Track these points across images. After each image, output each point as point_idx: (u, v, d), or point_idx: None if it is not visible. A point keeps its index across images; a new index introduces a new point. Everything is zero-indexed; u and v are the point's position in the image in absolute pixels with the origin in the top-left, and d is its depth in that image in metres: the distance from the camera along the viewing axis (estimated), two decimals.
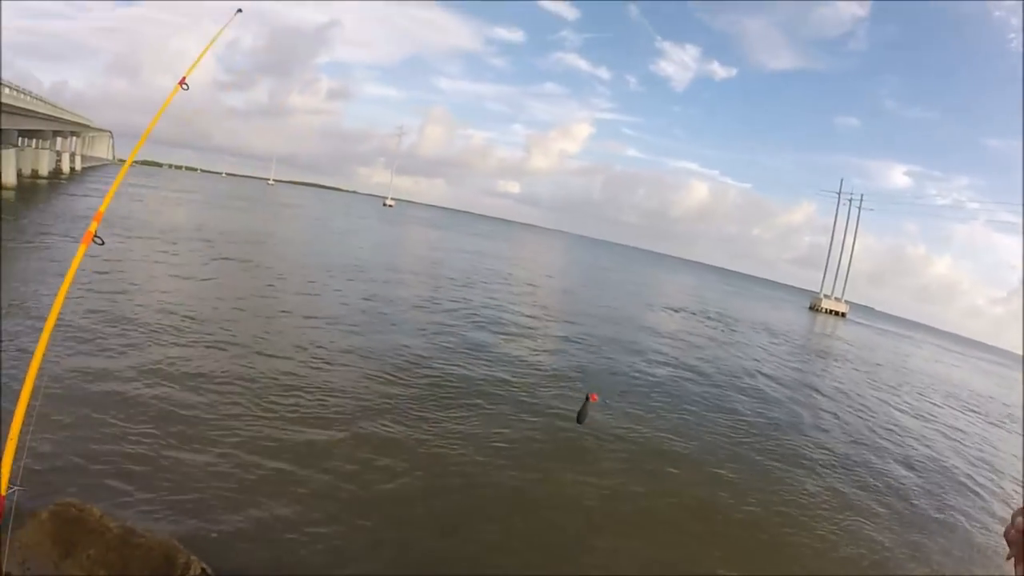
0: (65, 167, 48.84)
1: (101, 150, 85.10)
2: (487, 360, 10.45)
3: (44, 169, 37.96)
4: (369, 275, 17.66)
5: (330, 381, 7.85)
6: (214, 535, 4.31)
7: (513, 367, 10.32)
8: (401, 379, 8.58)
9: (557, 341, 13.53)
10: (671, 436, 8.36)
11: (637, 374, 11.78)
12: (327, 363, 8.69)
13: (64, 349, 7.06)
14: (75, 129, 51.96)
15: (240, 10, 4.32)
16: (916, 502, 8.11)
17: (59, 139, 47.83)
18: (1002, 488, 10.17)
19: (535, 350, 12.02)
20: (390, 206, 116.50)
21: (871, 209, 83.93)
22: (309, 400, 7.13)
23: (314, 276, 15.98)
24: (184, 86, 3.57)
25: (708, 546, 5.67)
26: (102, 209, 2.84)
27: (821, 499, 7.31)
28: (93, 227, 2.69)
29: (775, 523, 6.38)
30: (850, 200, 66.96)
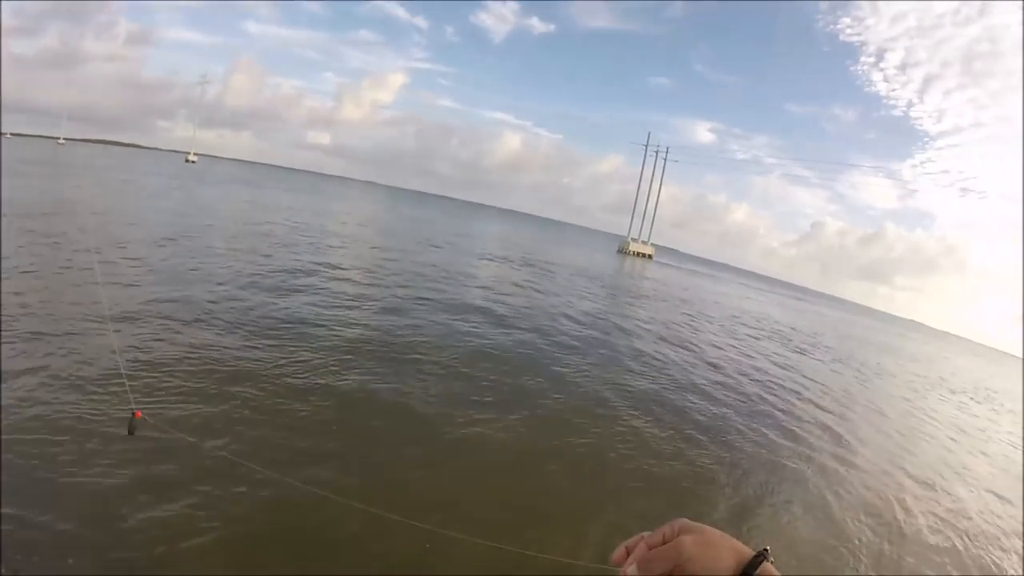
0: None
1: None
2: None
3: None
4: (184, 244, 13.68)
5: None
6: None
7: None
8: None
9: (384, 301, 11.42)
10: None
11: (463, 330, 10.26)
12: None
13: None
14: None
15: None
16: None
17: None
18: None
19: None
20: (193, 162, 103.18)
21: (676, 160, 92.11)
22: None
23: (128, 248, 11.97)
24: None
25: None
26: None
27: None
28: None
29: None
30: (656, 152, 72.47)
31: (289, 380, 6.15)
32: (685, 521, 0.72)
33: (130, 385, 4.74)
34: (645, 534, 0.72)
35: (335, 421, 5.45)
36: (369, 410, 5.90)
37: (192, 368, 5.93)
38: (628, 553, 0.72)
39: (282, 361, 6.64)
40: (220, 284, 9.76)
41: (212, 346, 6.67)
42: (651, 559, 0.68)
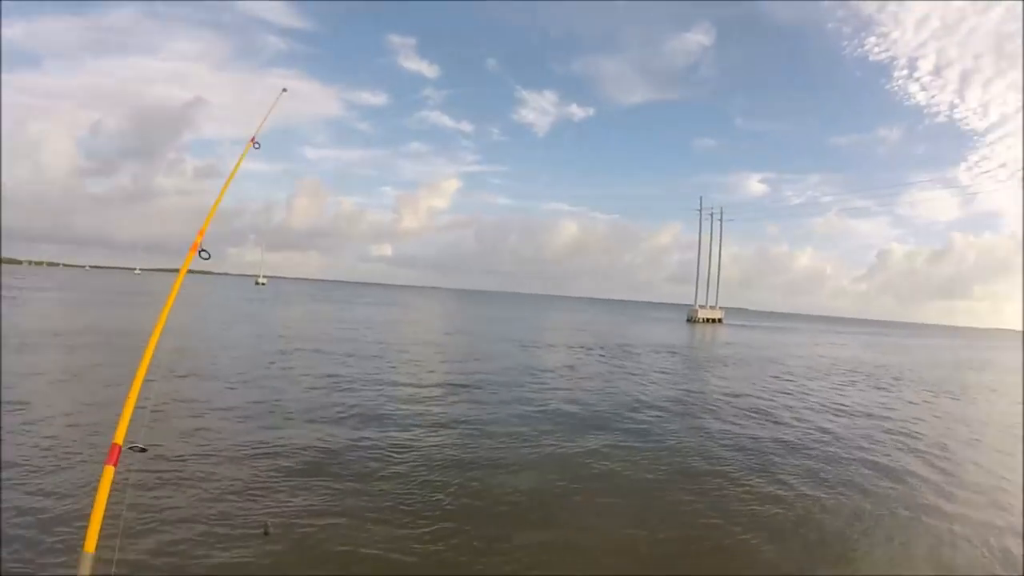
0: None
1: None
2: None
3: None
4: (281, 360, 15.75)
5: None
6: None
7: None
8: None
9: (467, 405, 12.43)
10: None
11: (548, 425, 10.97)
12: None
13: None
14: None
15: (285, 90, 4.43)
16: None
17: None
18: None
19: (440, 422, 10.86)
20: (263, 284, 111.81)
21: (731, 219, 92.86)
22: None
23: (234, 368, 14.09)
24: (256, 145, 3.70)
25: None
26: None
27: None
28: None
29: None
30: (711, 214, 73.80)
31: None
32: None
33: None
34: None
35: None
36: None
37: None
38: None
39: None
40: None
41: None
42: None
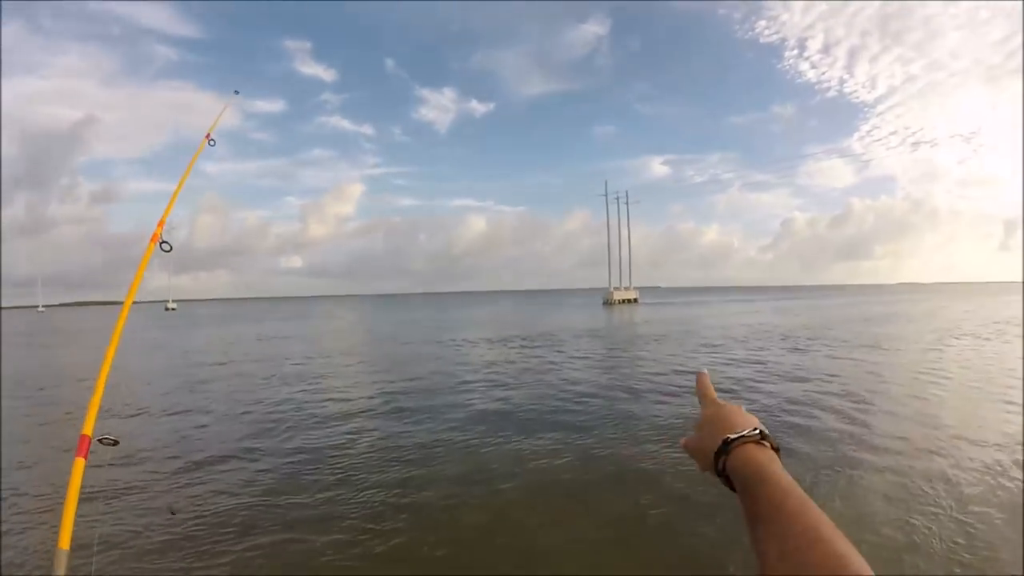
0: None
1: None
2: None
3: None
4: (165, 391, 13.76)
5: None
6: None
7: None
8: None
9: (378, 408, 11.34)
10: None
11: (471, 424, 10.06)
12: None
13: None
14: None
15: (237, 92, 4.37)
16: None
17: None
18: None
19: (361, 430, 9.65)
20: (173, 309, 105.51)
21: (638, 201, 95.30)
22: None
23: (157, 404, 12.19)
24: (211, 142, 3.53)
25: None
26: None
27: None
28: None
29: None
30: (617, 198, 75.67)
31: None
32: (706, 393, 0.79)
33: None
34: None
35: None
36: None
37: None
38: None
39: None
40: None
41: None
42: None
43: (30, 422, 10.90)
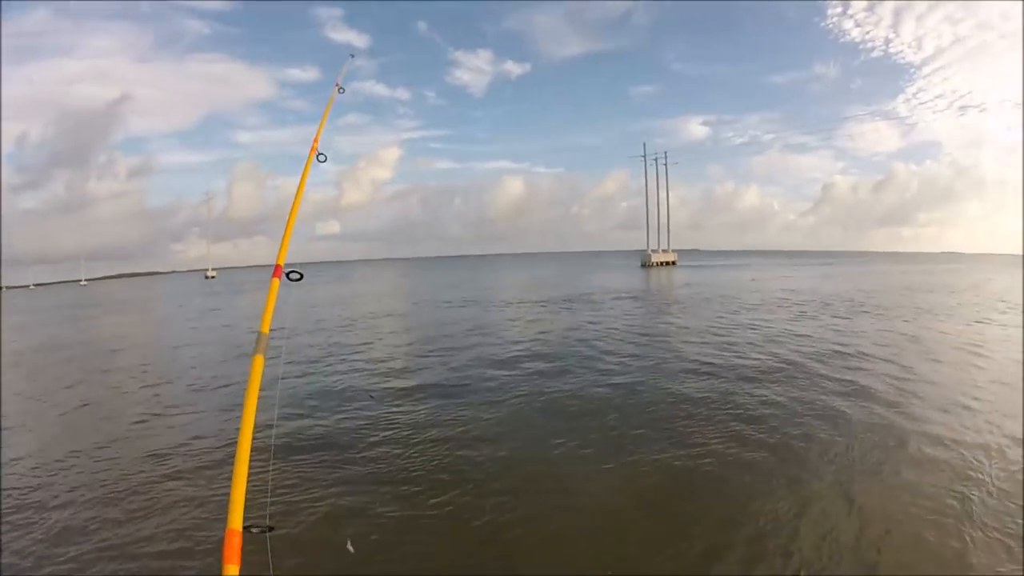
0: None
1: None
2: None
3: None
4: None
5: None
6: None
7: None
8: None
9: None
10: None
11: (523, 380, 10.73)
12: None
13: None
14: None
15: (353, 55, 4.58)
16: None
17: None
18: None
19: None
20: (213, 277, 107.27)
21: (676, 163, 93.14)
22: None
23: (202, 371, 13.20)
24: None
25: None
26: None
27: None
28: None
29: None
30: (655, 159, 74.02)
31: None
32: None
33: None
34: None
35: None
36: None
37: None
38: None
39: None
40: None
41: None
42: None
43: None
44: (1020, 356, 11.68)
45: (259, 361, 2.05)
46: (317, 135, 3.32)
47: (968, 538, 4.65)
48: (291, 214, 2.99)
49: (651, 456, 6.55)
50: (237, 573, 1.47)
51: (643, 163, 74.35)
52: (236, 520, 1.54)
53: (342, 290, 42.57)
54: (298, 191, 3.07)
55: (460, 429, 7.75)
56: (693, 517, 5.13)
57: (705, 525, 4.97)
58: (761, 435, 7.11)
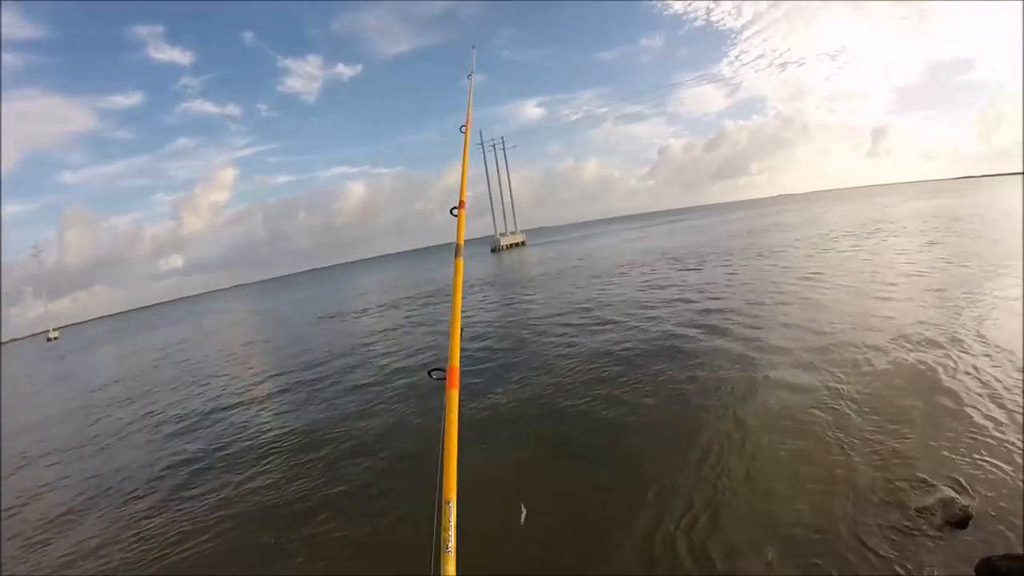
0: None
1: None
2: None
3: None
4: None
5: None
6: None
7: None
8: None
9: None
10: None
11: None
12: None
13: None
14: None
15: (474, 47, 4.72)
16: None
17: None
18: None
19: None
20: (56, 338, 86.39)
21: (515, 146, 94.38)
22: None
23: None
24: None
25: None
26: None
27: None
28: None
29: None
30: (494, 145, 74.68)
31: None
32: None
33: None
34: None
35: None
36: None
37: None
38: None
39: None
40: None
41: None
42: None
43: None
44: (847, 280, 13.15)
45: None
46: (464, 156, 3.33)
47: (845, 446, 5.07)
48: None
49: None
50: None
51: (481, 150, 74.88)
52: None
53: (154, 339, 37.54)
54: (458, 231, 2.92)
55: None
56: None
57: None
58: (635, 387, 7.49)
